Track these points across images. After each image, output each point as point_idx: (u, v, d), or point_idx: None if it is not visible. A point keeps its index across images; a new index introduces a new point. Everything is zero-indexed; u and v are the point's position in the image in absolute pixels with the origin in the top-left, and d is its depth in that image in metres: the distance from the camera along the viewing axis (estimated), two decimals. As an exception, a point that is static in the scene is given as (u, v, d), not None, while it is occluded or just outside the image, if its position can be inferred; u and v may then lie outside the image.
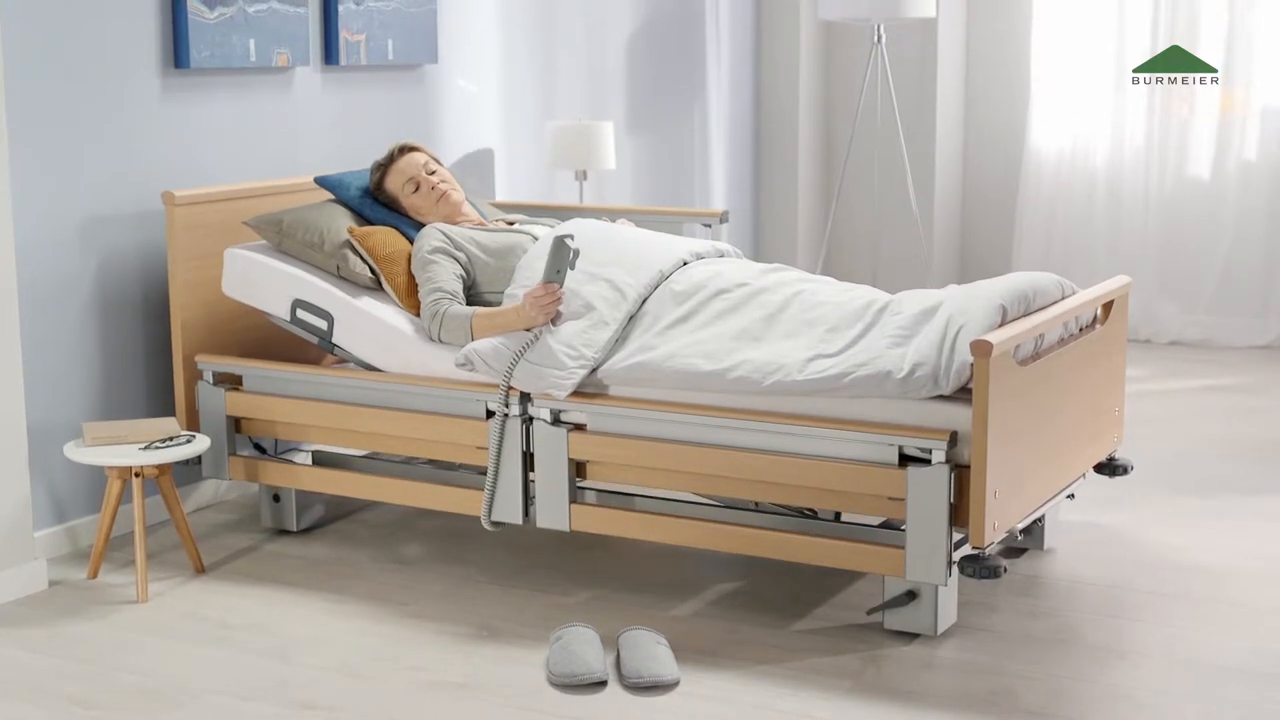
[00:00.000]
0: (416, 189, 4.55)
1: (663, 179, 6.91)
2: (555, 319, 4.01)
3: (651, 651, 3.52)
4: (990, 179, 7.78)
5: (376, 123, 5.32)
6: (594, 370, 3.95)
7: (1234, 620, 3.83)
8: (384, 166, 4.61)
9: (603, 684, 3.46)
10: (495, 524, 4.12)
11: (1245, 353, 7.03)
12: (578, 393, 3.95)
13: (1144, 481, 4.93)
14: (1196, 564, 4.21)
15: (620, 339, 4.02)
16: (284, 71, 4.99)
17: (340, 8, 5.11)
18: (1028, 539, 4.27)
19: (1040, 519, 4.23)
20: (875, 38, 7.04)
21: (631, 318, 4.05)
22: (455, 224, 4.52)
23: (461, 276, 4.30)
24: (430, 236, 4.37)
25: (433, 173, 4.59)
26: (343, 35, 5.13)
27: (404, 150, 4.62)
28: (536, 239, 4.41)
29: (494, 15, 5.89)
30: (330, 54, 5.13)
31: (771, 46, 7.57)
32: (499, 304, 4.26)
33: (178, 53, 4.61)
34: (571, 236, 4.02)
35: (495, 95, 5.92)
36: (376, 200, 4.61)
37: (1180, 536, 4.44)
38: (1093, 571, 4.16)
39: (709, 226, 5.09)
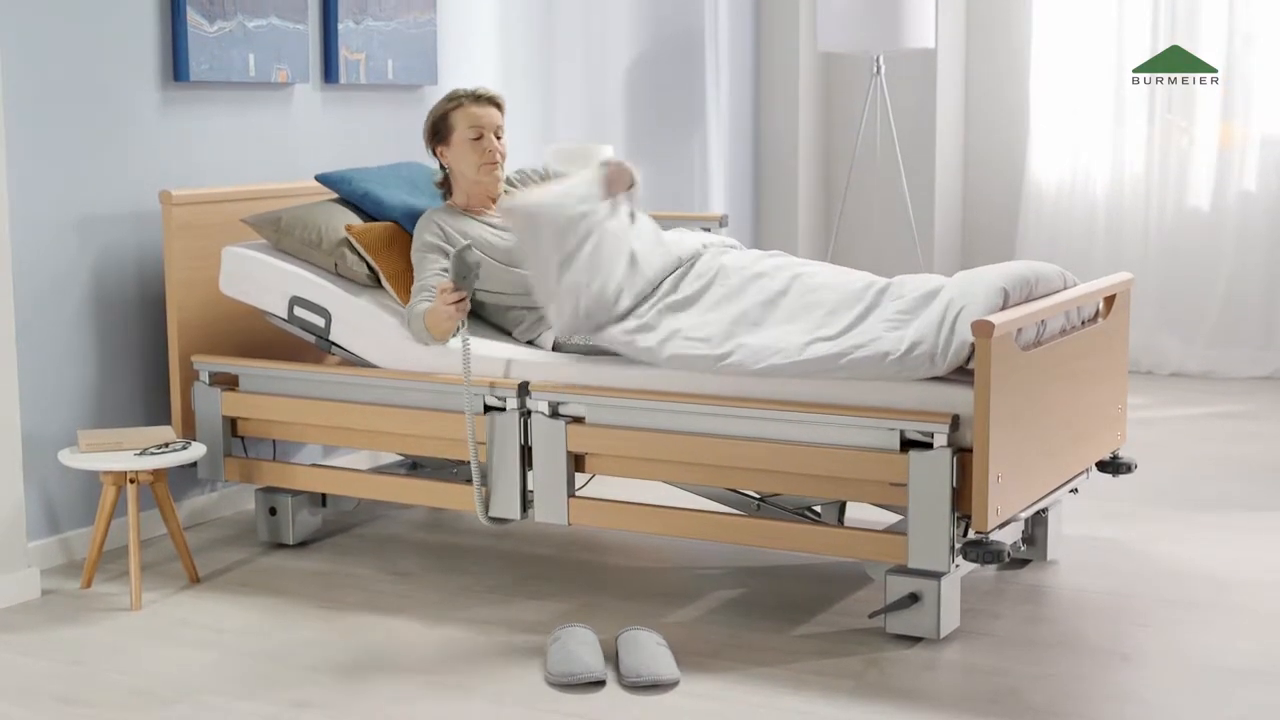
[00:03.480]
0: (479, 138, 4.38)
1: (662, 205, 6.90)
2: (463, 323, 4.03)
3: (651, 651, 3.48)
4: (990, 209, 7.78)
5: (375, 142, 5.32)
6: (599, 329, 3.95)
7: (1240, 624, 3.79)
8: (464, 99, 4.41)
9: (601, 684, 3.41)
10: (493, 519, 4.08)
11: (1247, 383, 7.00)
12: (576, 385, 3.94)
13: (1146, 498, 4.91)
14: (1201, 573, 4.17)
15: (627, 312, 4.01)
16: (283, 88, 4.99)
17: (340, 26, 5.11)
18: (1030, 549, 4.24)
19: (1044, 526, 4.20)
20: (874, 69, 7.06)
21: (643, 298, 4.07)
22: (474, 209, 4.43)
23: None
24: (426, 229, 4.34)
25: (500, 138, 4.41)
26: (342, 53, 5.13)
27: (493, 102, 4.43)
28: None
29: (494, 38, 5.90)
30: (330, 72, 5.13)
31: (771, 77, 7.59)
32: (491, 303, 4.27)
33: (177, 65, 4.61)
34: (469, 247, 3.97)
35: (495, 119, 5.91)
36: (434, 143, 4.45)
37: (1184, 549, 4.40)
38: (1096, 581, 4.12)
39: (708, 230, 5.08)
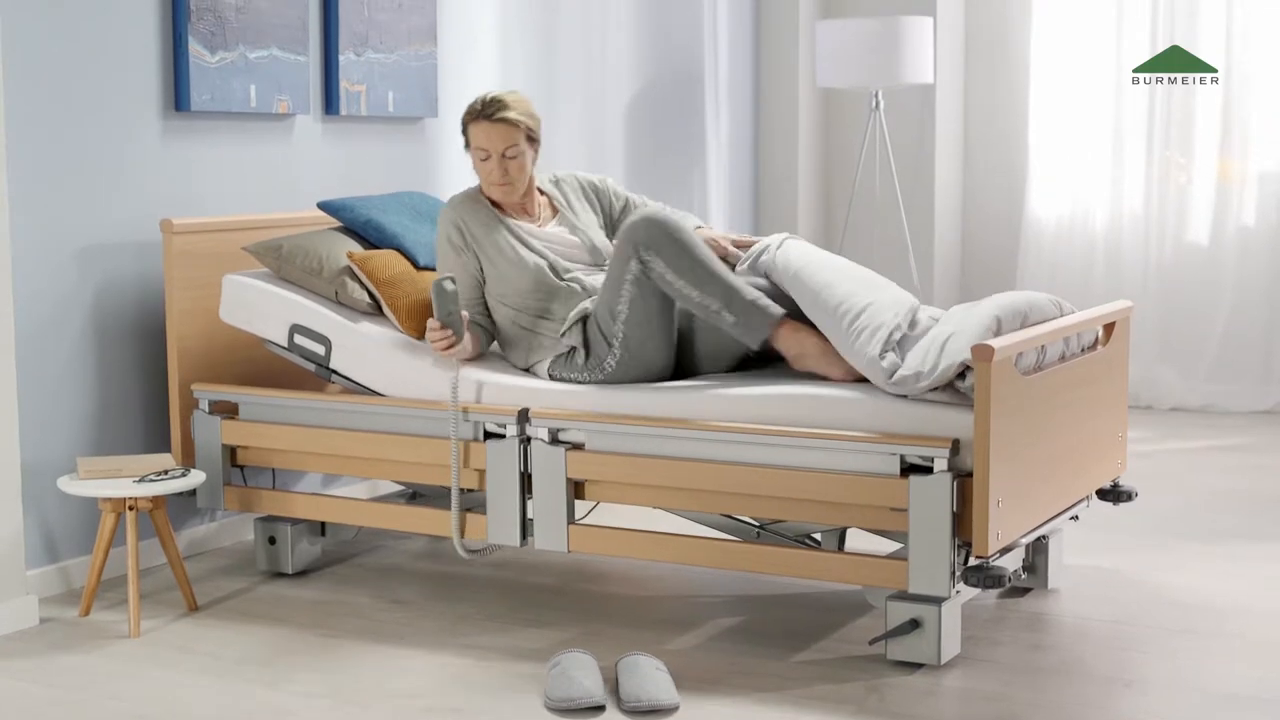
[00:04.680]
0: (486, 158, 4.21)
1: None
2: (463, 358, 4.09)
3: (650, 676, 3.47)
4: (990, 245, 7.79)
5: (376, 173, 5.33)
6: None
7: (1241, 652, 3.78)
8: (478, 115, 4.21)
9: (600, 709, 3.40)
10: (471, 551, 4.16)
11: (1247, 417, 7.00)
12: (576, 411, 3.95)
13: (1147, 529, 4.91)
14: (1202, 602, 4.16)
15: None
16: (284, 118, 5.00)
17: (341, 58, 5.13)
18: (1031, 578, 4.23)
19: (1044, 554, 4.19)
20: (873, 104, 7.08)
21: None
22: (505, 211, 4.30)
23: (474, 276, 4.24)
24: (446, 225, 4.25)
25: (513, 158, 4.21)
26: (343, 85, 5.15)
27: (501, 120, 4.18)
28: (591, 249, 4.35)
29: (494, 72, 5.92)
30: (330, 103, 5.15)
31: (770, 113, 7.61)
32: (494, 313, 4.25)
33: (178, 95, 4.62)
34: (451, 279, 3.99)
35: (495, 152, 5.93)
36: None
37: (1185, 578, 4.39)
38: (1098, 609, 4.11)
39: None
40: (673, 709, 3.40)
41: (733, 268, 4.10)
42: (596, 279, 4.22)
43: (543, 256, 4.22)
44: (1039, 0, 7.48)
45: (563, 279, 4.19)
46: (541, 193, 4.42)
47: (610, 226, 4.51)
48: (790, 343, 3.92)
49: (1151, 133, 7.28)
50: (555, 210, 4.40)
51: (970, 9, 7.72)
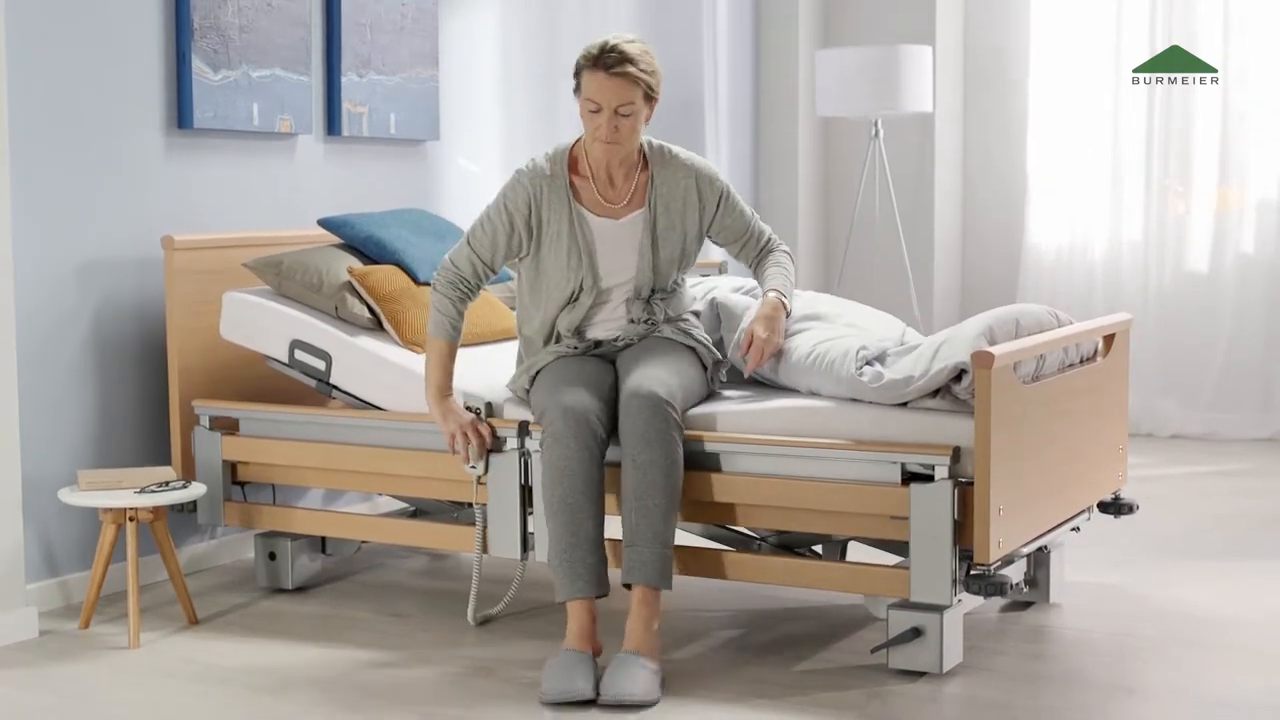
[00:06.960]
0: (596, 111, 3.78)
1: (662, 267, 6.92)
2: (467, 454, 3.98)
3: (633, 673, 3.46)
4: (989, 273, 7.80)
5: (376, 194, 5.35)
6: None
7: (1244, 662, 3.77)
8: (594, 65, 3.75)
9: (592, 703, 3.42)
10: (482, 620, 4.16)
11: (1247, 445, 7.00)
12: None
13: (1149, 548, 4.91)
14: (1204, 615, 4.16)
15: None
16: (287, 138, 5.02)
17: (343, 79, 5.16)
18: (1033, 592, 4.22)
19: (1046, 568, 4.19)
20: (873, 132, 7.11)
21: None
22: (583, 193, 3.92)
23: (507, 247, 3.93)
24: (516, 191, 3.91)
25: (626, 116, 3.76)
26: (345, 106, 5.17)
27: (620, 75, 3.72)
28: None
29: (496, 96, 5.94)
30: (333, 124, 5.17)
31: (770, 141, 7.64)
32: (522, 315, 4.07)
33: (181, 112, 4.64)
34: (487, 405, 4.03)
35: (496, 176, 5.95)
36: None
37: (1187, 593, 4.39)
38: (1100, 622, 4.11)
39: (707, 277, 5.07)
40: (647, 705, 3.41)
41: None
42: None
43: (584, 263, 3.89)
44: (1037, 29, 7.52)
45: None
46: (645, 165, 3.96)
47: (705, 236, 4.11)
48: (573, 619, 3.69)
49: (1150, 161, 7.30)
50: (643, 198, 3.94)
51: (969, 38, 7.76)
